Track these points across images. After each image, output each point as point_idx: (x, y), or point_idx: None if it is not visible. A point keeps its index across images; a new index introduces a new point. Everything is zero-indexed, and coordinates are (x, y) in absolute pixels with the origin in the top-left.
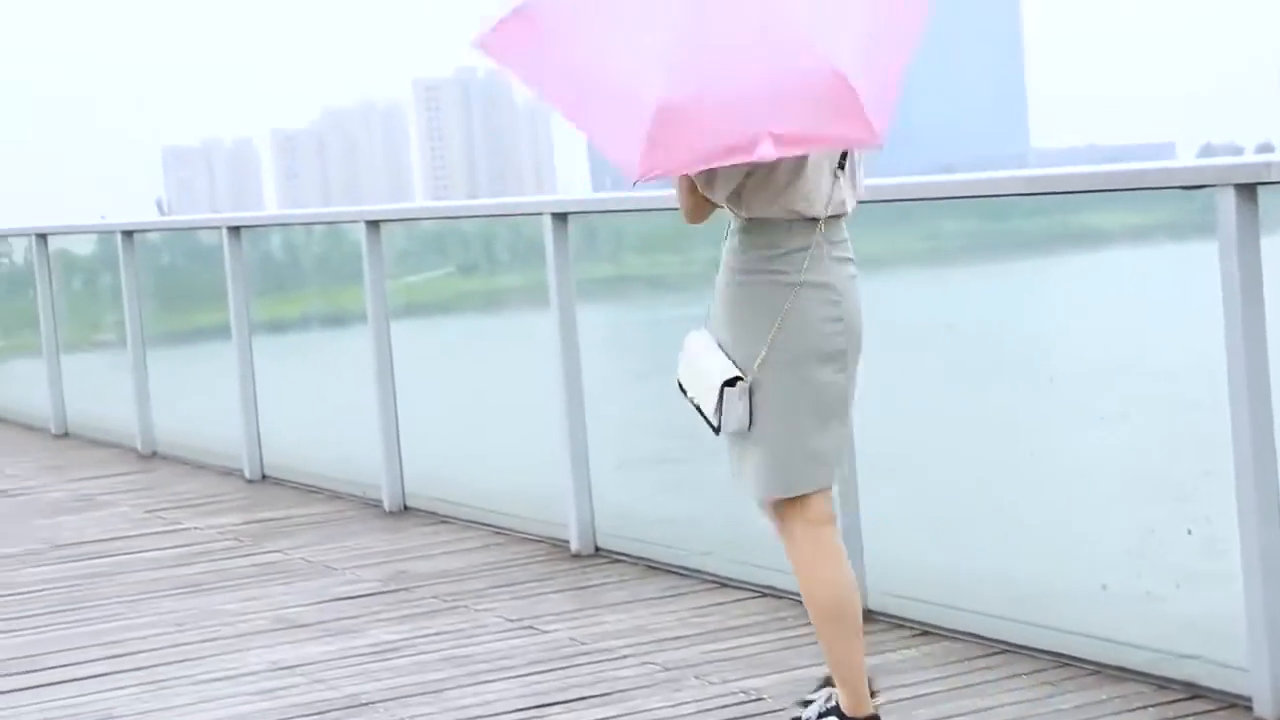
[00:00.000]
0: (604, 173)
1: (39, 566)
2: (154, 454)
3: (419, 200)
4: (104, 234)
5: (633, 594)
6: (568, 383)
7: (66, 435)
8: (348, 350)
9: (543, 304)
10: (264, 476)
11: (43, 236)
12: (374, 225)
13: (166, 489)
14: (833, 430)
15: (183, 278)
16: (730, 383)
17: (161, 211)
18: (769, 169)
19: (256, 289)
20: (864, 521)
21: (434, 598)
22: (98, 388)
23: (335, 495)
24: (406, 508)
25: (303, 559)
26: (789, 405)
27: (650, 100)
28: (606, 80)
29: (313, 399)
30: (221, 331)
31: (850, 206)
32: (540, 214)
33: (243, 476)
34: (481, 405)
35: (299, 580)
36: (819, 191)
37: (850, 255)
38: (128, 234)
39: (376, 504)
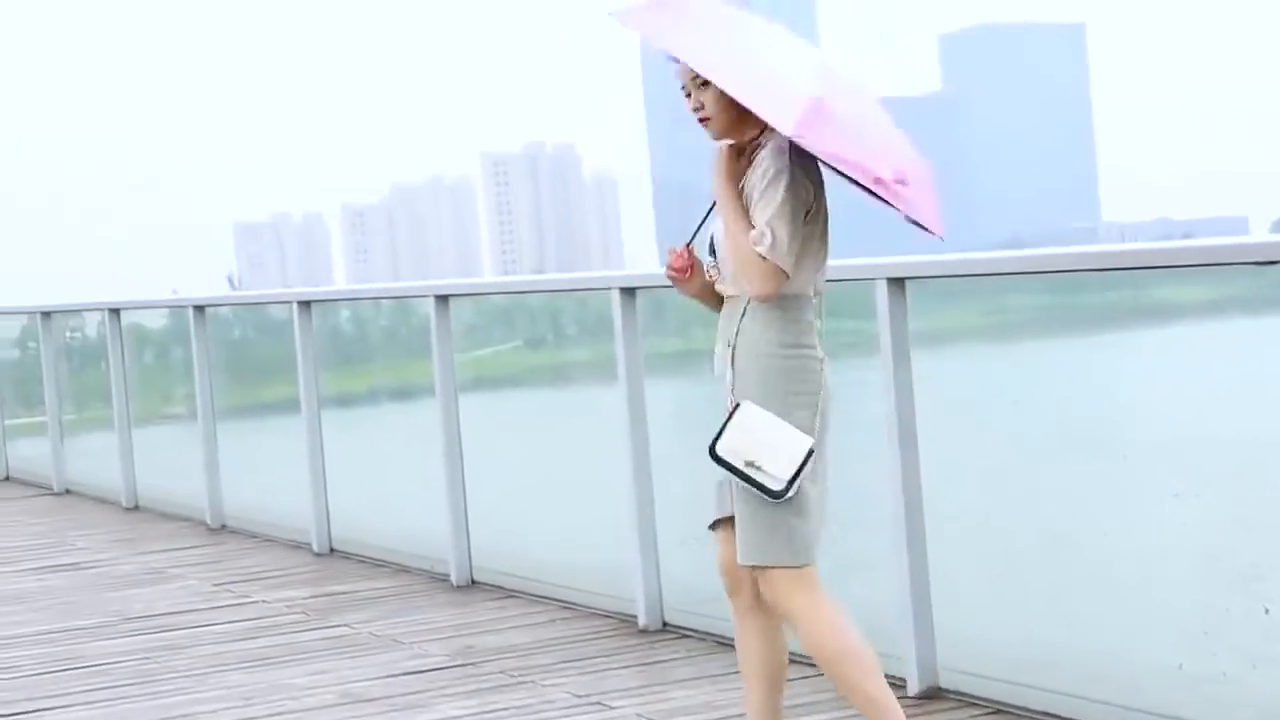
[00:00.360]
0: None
1: (110, 639)
2: (223, 527)
3: (487, 275)
4: (176, 308)
5: (700, 670)
6: (635, 457)
7: (137, 508)
8: (415, 424)
9: (610, 378)
10: (332, 550)
11: (116, 311)
12: (443, 300)
13: (235, 562)
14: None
15: (252, 352)
16: (811, 452)
17: (232, 286)
18: (818, 240)
19: (325, 363)
20: (935, 597)
21: (501, 673)
22: (168, 461)
23: (403, 569)
24: (474, 582)
25: (370, 633)
26: (821, 476)
27: (807, 92)
28: (760, 65)
29: (380, 473)
30: (290, 405)
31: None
32: (609, 289)
33: (311, 550)
34: (549, 479)
35: (366, 655)
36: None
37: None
38: (199, 309)
39: (444, 578)
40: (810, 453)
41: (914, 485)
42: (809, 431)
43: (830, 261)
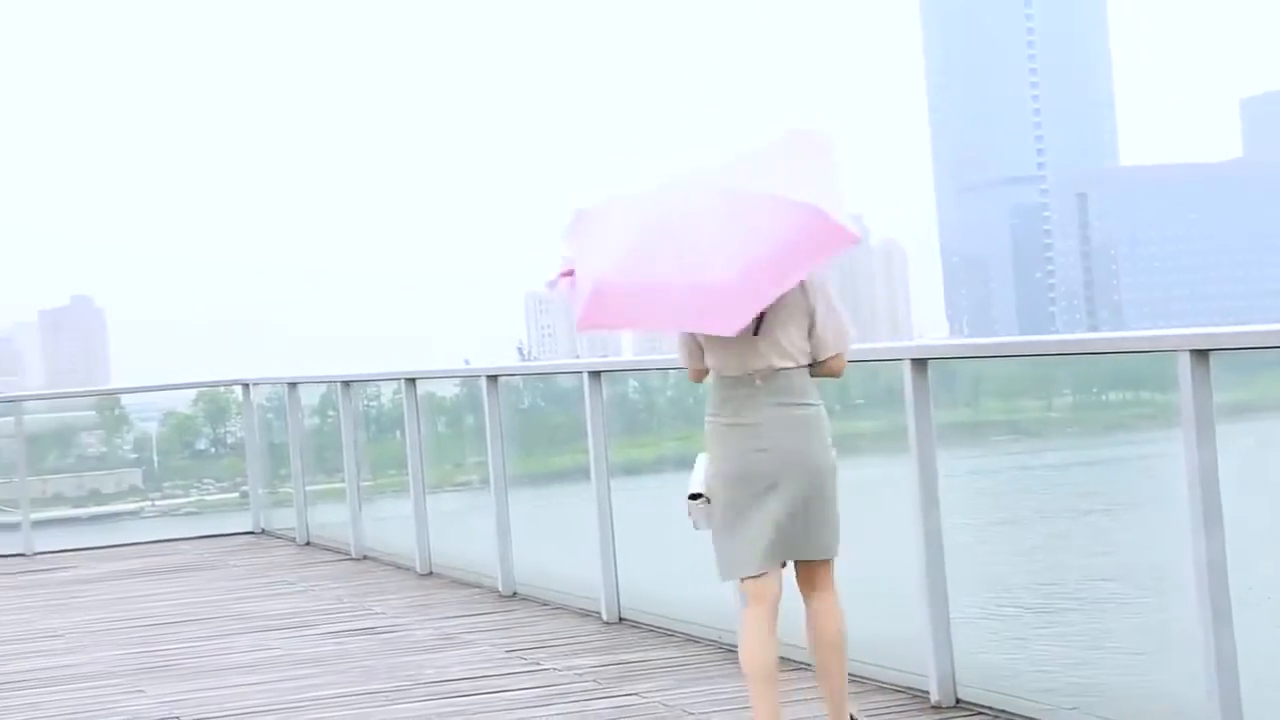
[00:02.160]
0: (959, 318)
1: (405, 704)
2: (514, 594)
3: None
4: (469, 378)
5: None
6: (927, 529)
7: (431, 574)
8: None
9: (898, 449)
10: (621, 619)
11: (412, 381)
12: None
13: (526, 629)
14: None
15: (542, 420)
16: (694, 496)
17: (522, 356)
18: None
19: (613, 431)
20: (1244, 681)
21: None
22: (460, 528)
23: (691, 639)
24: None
25: (660, 703)
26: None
27: (591, 279)
28: (583, 265)
29: (669, 542)
30: (579, 473)
31: (782, 364)
32: (900, 359)
33: (600, 618)
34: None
35: None
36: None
37: (790, 400)
38: (492, 378)
39: (733, 649)
40: (698, 498)
41: (1219, 562)
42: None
43: (1128, 333)
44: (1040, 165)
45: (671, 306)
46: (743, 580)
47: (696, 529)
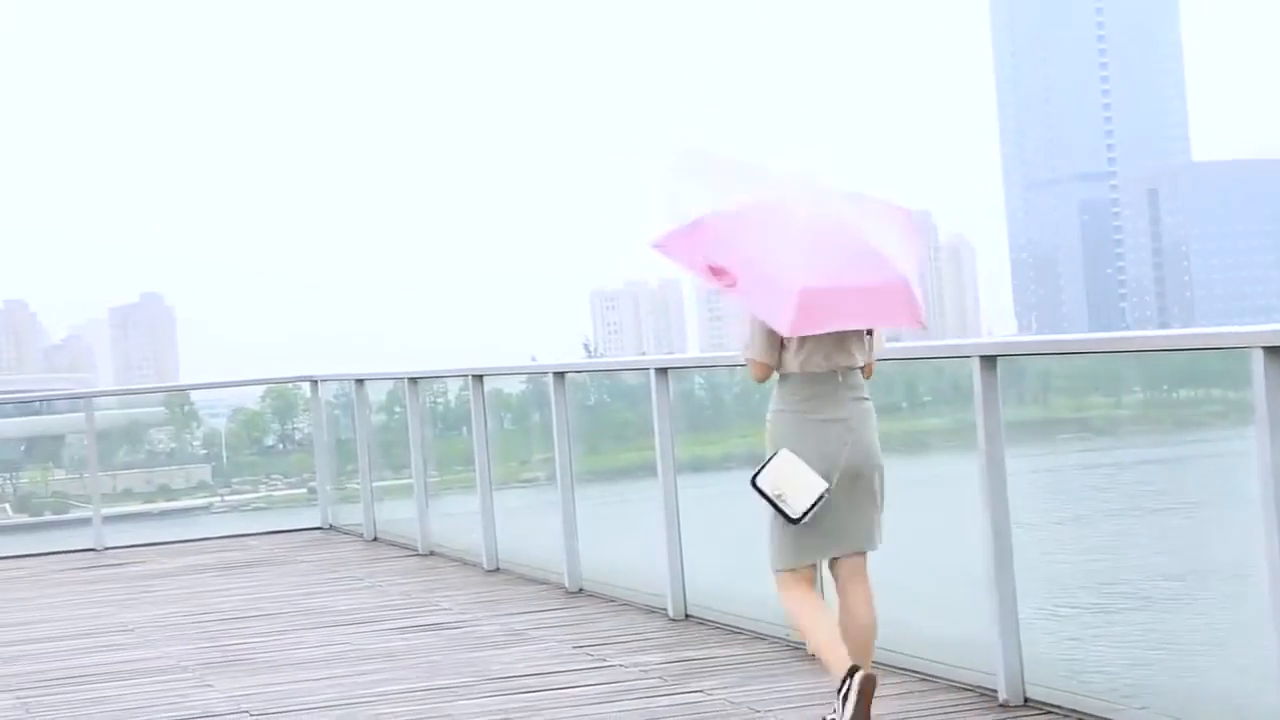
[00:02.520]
0: (1028, 313)
1: (471, 699)
2: (580, 590)
3: None
4: (535, 375)
5: None
6: (995, 526)
7: (498, 570)
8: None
9: (966, 446)
10: (687, 616)
11: (479, 377)
12: None
13: (592, 626)
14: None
15: (608, 417)
16: (827, 490)
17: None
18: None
19: (680, 428)
20: None
21: None
22: (526, 524)
23: (758, 636)
24: None
25: (725, 700)
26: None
27: (795, 287)
28: (761, 272)
29: (735, 539)
30: (645, 470)
31: (860, 362)
32: (969, 356)
33: (666, 615)
34: (904, 548)
35: None
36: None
37: (863, 395)
38: (559, 375)
39: (799, 646)
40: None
41: None
42: (829, 476)
43: (1199, 330)
44: (1110, 160)
45: (747, 273)
46: (797, 570)
47: (798, 521)
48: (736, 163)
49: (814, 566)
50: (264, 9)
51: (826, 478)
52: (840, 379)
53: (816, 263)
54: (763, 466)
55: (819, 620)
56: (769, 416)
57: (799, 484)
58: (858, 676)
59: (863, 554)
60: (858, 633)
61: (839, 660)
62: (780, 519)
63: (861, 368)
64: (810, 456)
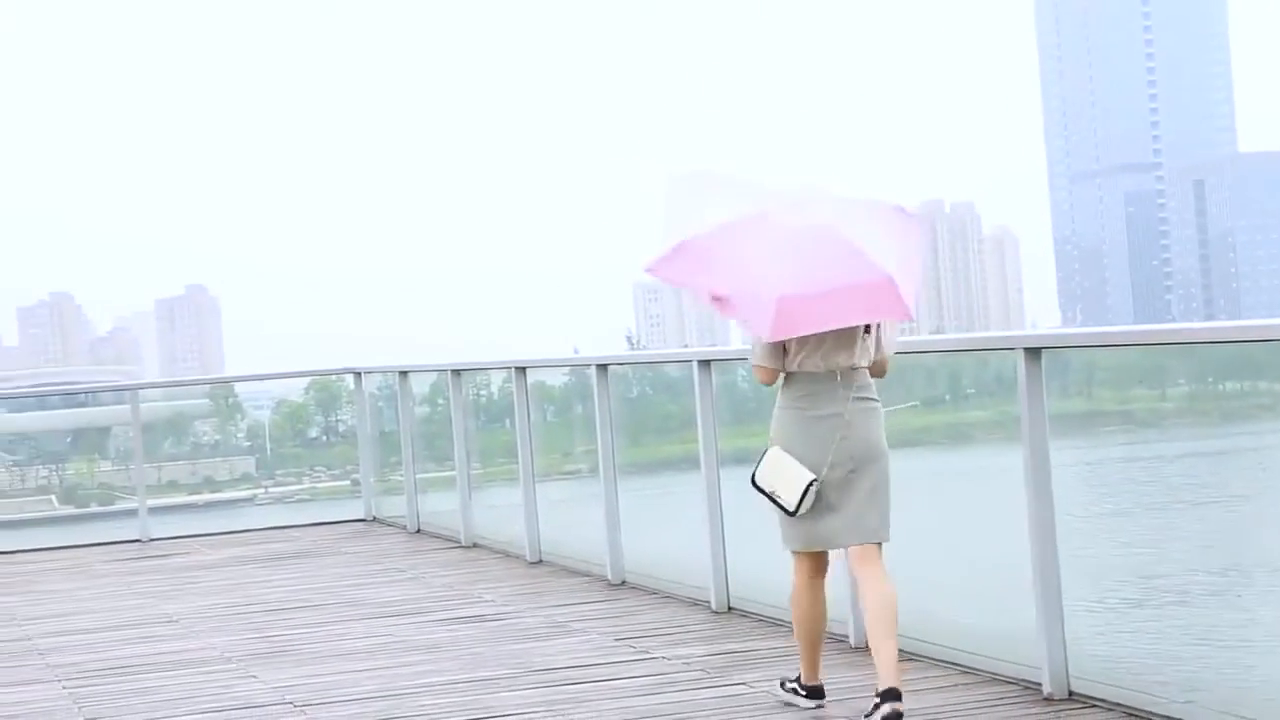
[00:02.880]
0: (1073, 305)
1: (514, 691)
2: (623, 583)
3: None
4: (578, 367)
5: None
6: (1039, 519)
7: (540, 562)
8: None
9: (1009, 439)
10: (730, 608)
11: (522, 369)
12: None
13: (635, 618)
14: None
15: (650, 409)
16: (813, 482)
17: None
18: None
19: (722, 420)
20: None
21: None
22: (569, 516)
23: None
24: (869, 645)
25: (768, 693)
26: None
27: (774, 294)
28: (742, 285)
29: (777, 532)
30: (687, 462)
31: (864, 363)
32: (1014, 349)
33: (709, 607)
34: (948, 541)
35: (764, 715)
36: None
37: (865, 394)
38: (602, 367)
39: (842, 639)
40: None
41: None
42: (819, 469)
43: (1245, 322)
44: (1156, 151)
45: (736, 288)
46: (809, 553)
47: (795, 514)
48: (728, 181)
49: (824, 554)
50: (309, 8)
51: (819, 470)
52: (839, 378)
53: (794, 269)
54: (758, 464)
55: (806, 619)
56: (774, 413)
57: (789, 478)
58: (887, 708)
59: (876, 543)
60: (878, 611)
61: (808, 666)
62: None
63: (868, 367)
64: (807, 450)
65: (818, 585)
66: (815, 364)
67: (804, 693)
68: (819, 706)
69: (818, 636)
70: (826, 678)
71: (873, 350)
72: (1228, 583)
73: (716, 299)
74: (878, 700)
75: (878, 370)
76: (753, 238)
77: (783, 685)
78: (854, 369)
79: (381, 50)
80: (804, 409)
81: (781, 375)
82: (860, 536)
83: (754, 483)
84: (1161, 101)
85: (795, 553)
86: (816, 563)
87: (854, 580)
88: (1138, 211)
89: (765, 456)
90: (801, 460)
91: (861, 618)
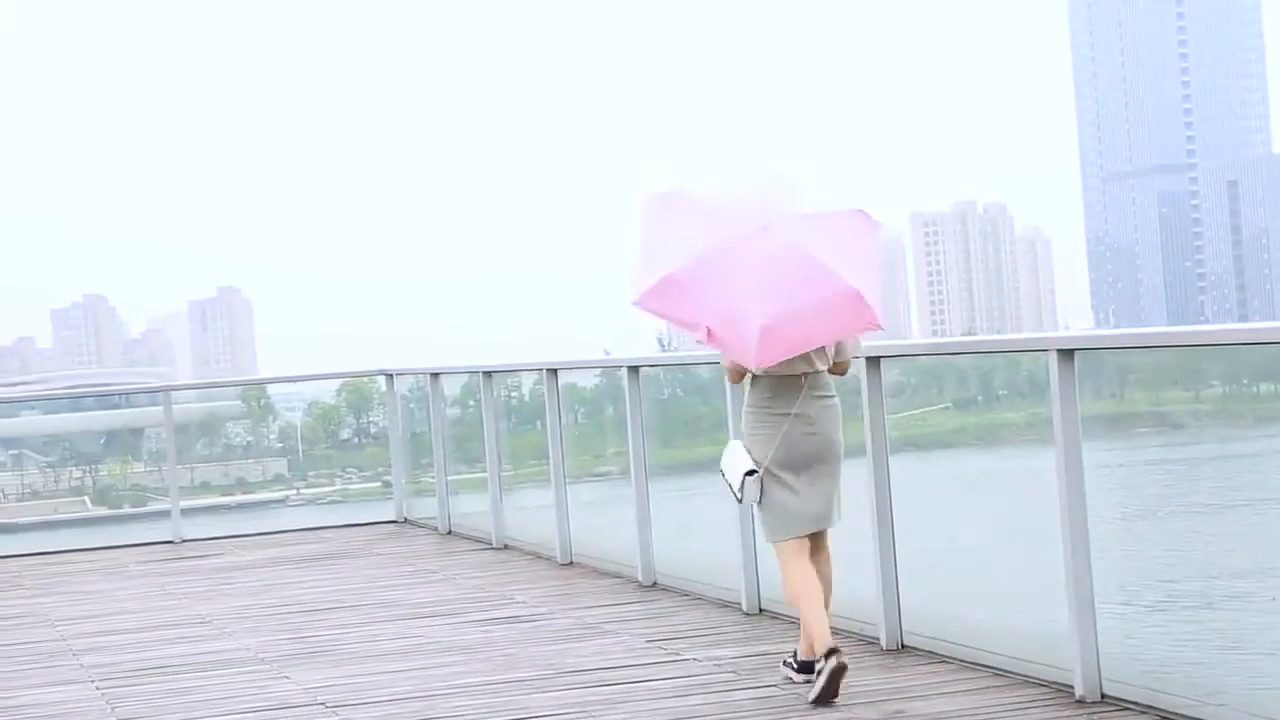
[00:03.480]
0: (1105, 306)
1: (546, 692)
2: (654, 584)
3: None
4: (609, 368)
5: None
6: (1072, 521)
7: (571, 564)
8: (845, 484)
9: (1042, 440)
10: (761, 610)
11: (553, 371)
12: (874, 361)
13: (666, 620)
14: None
15: (681, 411)
16: (750, 472)
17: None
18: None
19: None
20: None
21: None
22: (600, 518)
23: (832, 630)
24: (903, 646)
25: (799, 695)
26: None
27: (755, 324)
28: (726, 317)
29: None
30: (716, 464)
31: (824, 365)
32: (1046, 350)
33: (740, 609)
34: (981, 542)
35: (796, 716)
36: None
37: (826, 394)
38: (634, 369)
39: (874, 641)
40: (753, 474)
41: None
42: (763, 460)
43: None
44: (1189, 152)
45: (720, 320)
46: (788, 540)
47: (743, 502)
48: (696, 205)
49: (804, 540)
50: (350, 10)
51: (798, 463)
52: (803, 380)
53: (770, 295)
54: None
55: (811, 598)
56: (742, 410)
57: (737, 468)
58: (832, 660)
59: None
60: (824, 587)
61: (820, 637)
62: (772, 499)
63: (829, 368)
64: (767, 445)
65: (805, 563)
66: (780, 367)
67: (796, 667)
68: (807, 681)
69: (820, 608)
70: (856, 680)
71: (832, 354)
72: (1260, 586)
73: (704, 332)
74: (822, 659)
75: (838, 370)
76: (729, 268)
77: (785, 664)
78: (815, 371)
79: (417, 53)
80: (768, 409)
81: (749, 375)
82: (818, 524)
83: (721, 472)
84: (1195, 102)
85: (781, 543)
86: (801, 546)
87: (784, 568)
88: (1171, 212)
89: (725, 449)
90: (760, 454)
91: (891, 621)
